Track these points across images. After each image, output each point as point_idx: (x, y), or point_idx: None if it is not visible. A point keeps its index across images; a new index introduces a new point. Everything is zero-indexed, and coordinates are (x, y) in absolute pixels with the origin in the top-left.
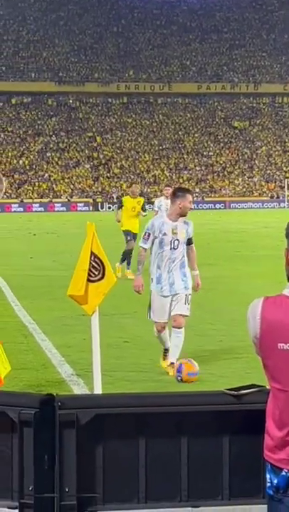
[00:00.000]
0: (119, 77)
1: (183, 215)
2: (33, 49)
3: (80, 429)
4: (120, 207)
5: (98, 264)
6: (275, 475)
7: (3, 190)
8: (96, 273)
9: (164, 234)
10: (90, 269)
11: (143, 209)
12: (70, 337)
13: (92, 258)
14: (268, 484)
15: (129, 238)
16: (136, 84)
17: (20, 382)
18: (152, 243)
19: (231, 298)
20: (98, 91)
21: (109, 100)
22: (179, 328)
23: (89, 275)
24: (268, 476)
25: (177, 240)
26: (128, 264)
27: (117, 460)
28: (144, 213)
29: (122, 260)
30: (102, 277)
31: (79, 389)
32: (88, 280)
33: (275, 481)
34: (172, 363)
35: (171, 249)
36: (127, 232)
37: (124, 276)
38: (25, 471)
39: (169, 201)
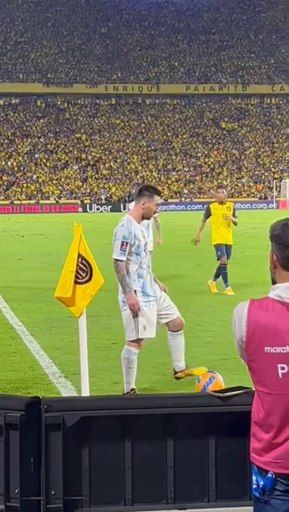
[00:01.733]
0: (108, 78)
1: (146, 218)
2: (21, 50)
3: (66, 432)
4: (208, 216)
5: (85, 266)
6: (262, 477)
7: None
8: (83, 275)
9: (139, 240)
10: (77, 271)
11: (234, 215)
12: (58, 339)
13: (80, 260)
14: (254, 486)
15: (219, 253)
16: (124, 85)
17: (7, 385)
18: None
19: (220, 299)
20: (86, 92)
21: (98, 101)
22: (181, 330)
23: (76, 277)
24: (254, 478)
25: (146, 243)
26: (216, 277)
27: (103, 462)
28: (235, 219)
29: (216, 276)
30: (89, 279)
31: (67, 391)
32: (75, 282)
33: (262, 483)
34: (187, 367)
35: (146, 254)
36: (219, 247)
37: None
38: (11, 474)
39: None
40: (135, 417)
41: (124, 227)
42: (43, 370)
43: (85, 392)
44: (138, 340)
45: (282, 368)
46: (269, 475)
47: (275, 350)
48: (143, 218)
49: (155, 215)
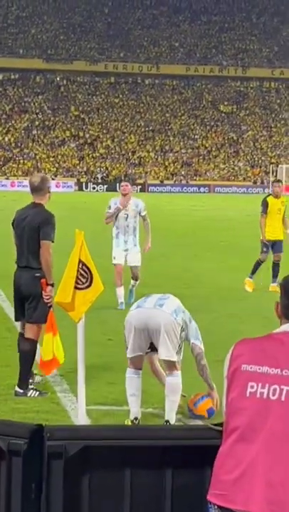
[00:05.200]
0: (108, 57)
1: None
2: (21, 25)
3: (67, 460)
4: (266, 210)
5: (86, 272)
6: None
7: None
8: (83, 281)
9: None
10: (77, 277)
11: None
12: None
13: (80, 266)
14: None
15: (265, 250)
16: (124, 64)
17: (3, 382)
18: None
19: (213, 293)
20: (86, 70)
21: (97, 79)
22: None
23: (76, 283)
24: None
25: None
26: (252, 273)
27: (103, 491)
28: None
29: (253, 272)
30: (89, 285)
31: (61, 390)
32: (75, 288)
33: None
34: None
35: None
36: (266, 243)
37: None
38: (12, 499)
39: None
40: (136, 448)
41: None
42: (38, 367)
43: (81, 398)
44: None
45: (252, 387)
46: None
47: (251, 368)
48: None
49: (143, 214)
